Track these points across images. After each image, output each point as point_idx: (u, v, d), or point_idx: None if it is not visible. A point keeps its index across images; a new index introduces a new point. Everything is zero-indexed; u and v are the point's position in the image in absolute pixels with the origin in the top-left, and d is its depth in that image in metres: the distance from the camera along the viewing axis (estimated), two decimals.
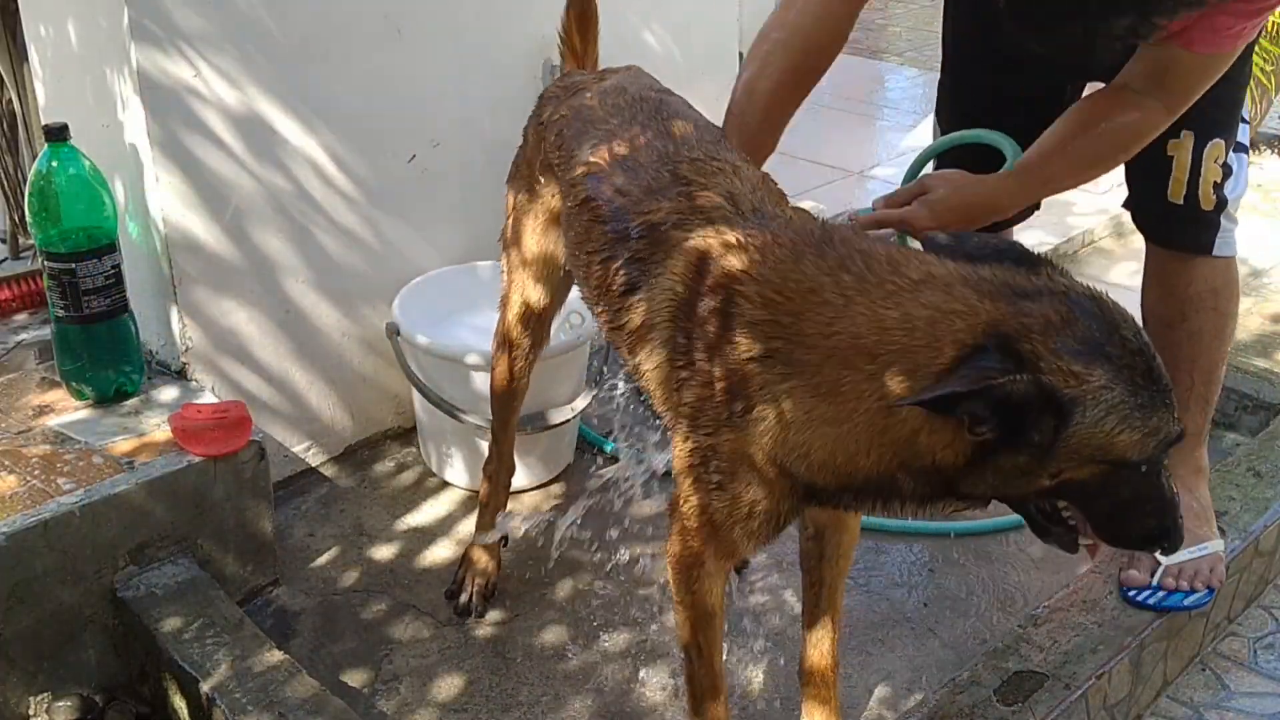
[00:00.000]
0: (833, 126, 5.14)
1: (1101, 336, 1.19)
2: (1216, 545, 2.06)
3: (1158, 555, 1.97)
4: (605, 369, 2.54)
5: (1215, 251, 2.00)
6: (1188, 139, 1.92)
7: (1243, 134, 2.00)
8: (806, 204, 3.50)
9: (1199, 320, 2.02)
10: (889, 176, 4.78)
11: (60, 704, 1.86)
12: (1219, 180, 1.95)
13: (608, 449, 2.55)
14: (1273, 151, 4.39)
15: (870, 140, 5.14)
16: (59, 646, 1.88)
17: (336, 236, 2.40)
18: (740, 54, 3.08)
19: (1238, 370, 2.70)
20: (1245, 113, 2.03)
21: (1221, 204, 1.97)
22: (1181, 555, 1.99)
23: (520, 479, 2.34)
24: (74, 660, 1.90)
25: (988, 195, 1.80)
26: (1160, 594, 1.99)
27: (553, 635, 2.05)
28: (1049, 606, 1.96)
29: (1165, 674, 2.05)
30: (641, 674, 1.98)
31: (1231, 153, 1.96)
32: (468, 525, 2.29)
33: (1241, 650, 2.16)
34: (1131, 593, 1.99)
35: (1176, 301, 2.03)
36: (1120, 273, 3.51)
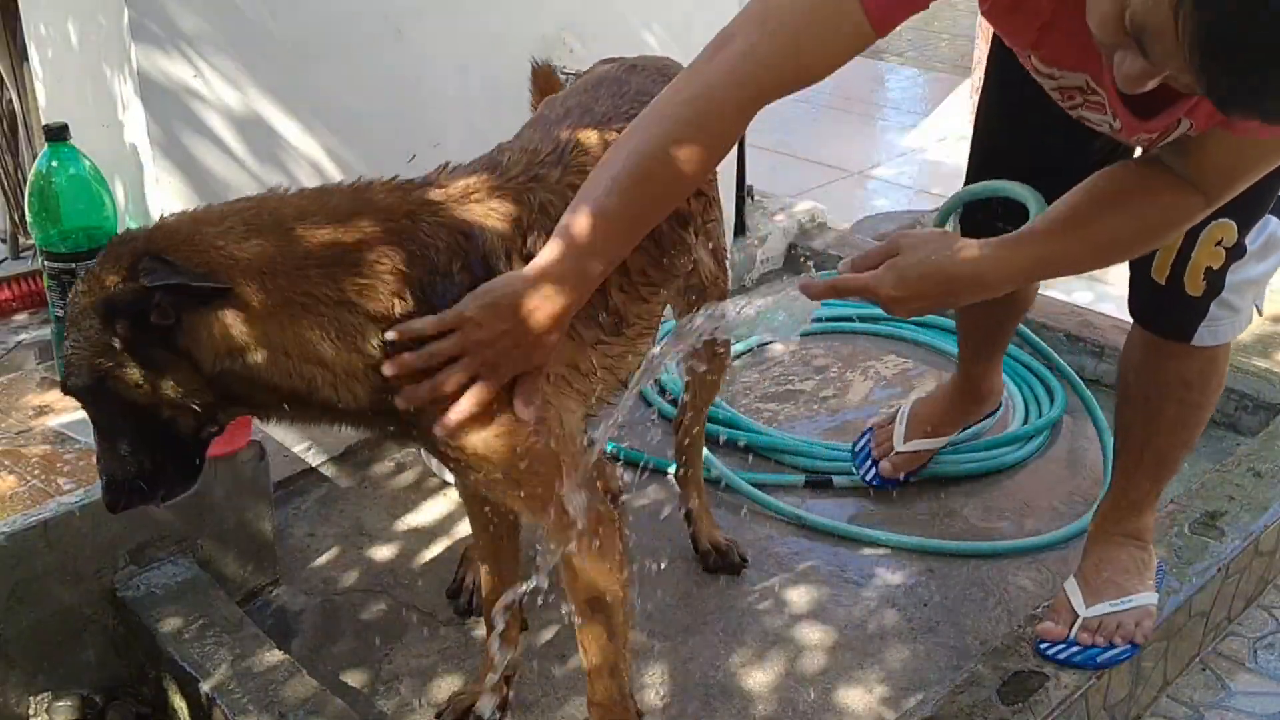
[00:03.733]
0: (833, 126, 5.14)
1: None
2: (1146, 599, 1.92)
3: (1074, 607, 1.89)
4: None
5: (1196, 341, 1.78)
6: None
7: None
8: (806, 204, 3.51)
9: (1160, 405, 1.85)
10: (889, 176, 4.79)
11: (60, 704, 1.86)
12: (1216, 266, 1.72)
13: (608, 449, 2.55)
14: None
15: (870, 140, 5.15)
16: (59, 646, 1.88)
17: None
18: None
19: (1238, 370, 2.70)
20: None
21: (1215, 290, 1.74)
22: (1102, 608, 1.89)
23: None
24: (74, 660, 1.90)
25: (971, 268, 1.43)
26: (1074, 649, 1.86)
27: (552, 635, 2.05)
28: (1049, 606, 1.96)
29: (1165, 674, 2.05)
30: (642, 674, 1.98)
31: (1251, 235, 1.72)
32: (467, 525, 2.29)
33: (1241, 650, 2.16)
34: (1044, 646, 1.87)
35: (1143, 380, 1.87)
36: None
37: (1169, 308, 1.78)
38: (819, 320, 3.09)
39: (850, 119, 5.28)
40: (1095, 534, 2.00)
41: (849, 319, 3.09)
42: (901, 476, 2.35)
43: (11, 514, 1.83)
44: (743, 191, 3.32)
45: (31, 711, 1.86)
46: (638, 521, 2.32)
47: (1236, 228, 1.68)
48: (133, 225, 2.26)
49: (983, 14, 1.47)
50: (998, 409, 2.50)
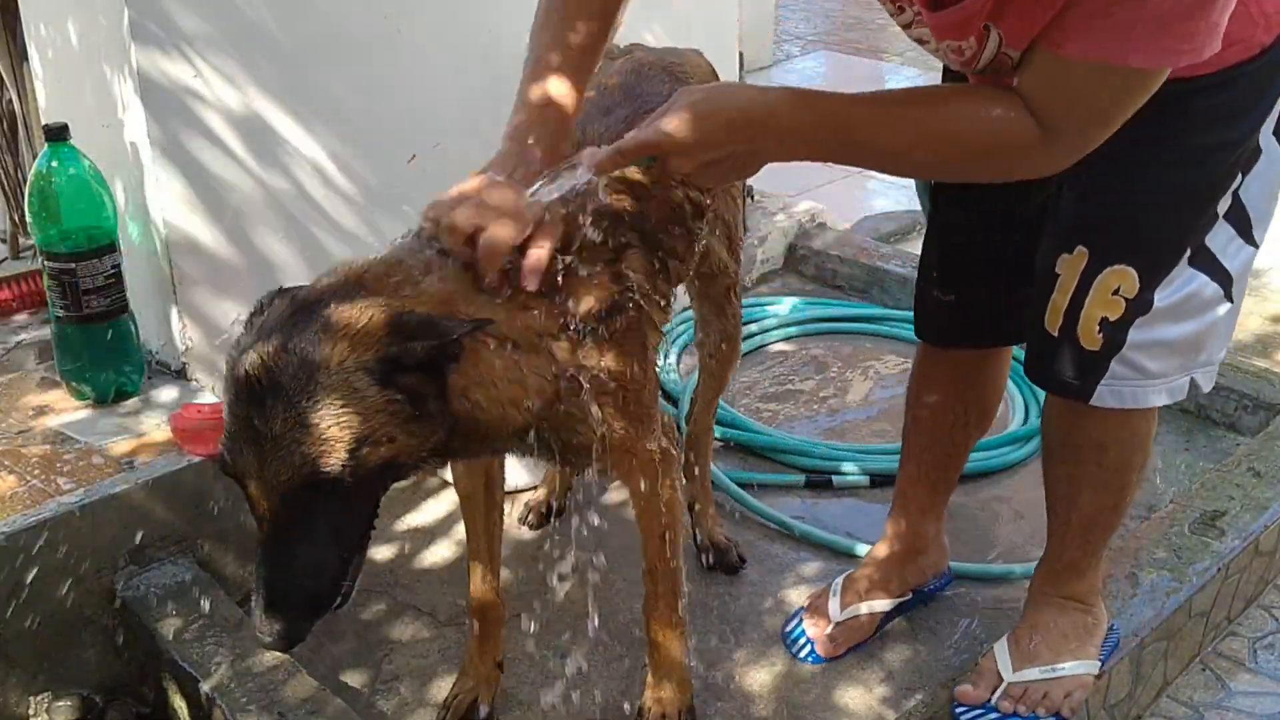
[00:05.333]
0: None
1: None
2: (1082, 669, 1.79)
3: (999, 669, 1.79)
4: None
5: (1096, 401, 1.59)
6: (1080, 257, 1.52)
7: (1223, 249, 1.53)
8: (806, 204, 3.51)
9: (1079, 469, 1.70)
10: (889, 176, 4.77)
11: (60, 704, 1.86)
12: (1114, 317, 1.53)
13: None
14: None
15: None
16: (59, 646, 1.88)
17: (336, 237, 2.40)
18: (740, 54, 3.09)
19: (1238, 370, 2.70)
20: (1226, 239, 1.53)
21: (1114, 345, 1.54)
22: (1030, 673, 1.77)
23: (521, 478, 2.34)
24: (74, 660, 1.90)
25: (760, 104, 1.30)
26: (992, 716, 1.76)
27: (552, 635, 2.05)
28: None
29: (1165, 674, 2.05)
30: (641, 674, 1.97)
31: (1165, 285, 1.52)
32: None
33: (1241, 650, 2.16)
34: (960, 710, 1.77)
35: (1060, 441, 1.72)
36: None
37: (1064, 363, 1.59)
38: (819, 320, 3.10)
39: None
40: (1033, 595, 1.87)
41: (849, 319, 3.10)
42: (843, 652, 1.98)
43: (11, 514, 1.83)
44: (743, 191, 3.31)
45: (31, 711, 1.86)
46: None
47: (1137, 276, 1.51)
48: (133, 226, 2.26)
49: None
50: (947, 575, 2.10)
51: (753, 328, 3.04)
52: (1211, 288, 1.55)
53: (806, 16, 6.76)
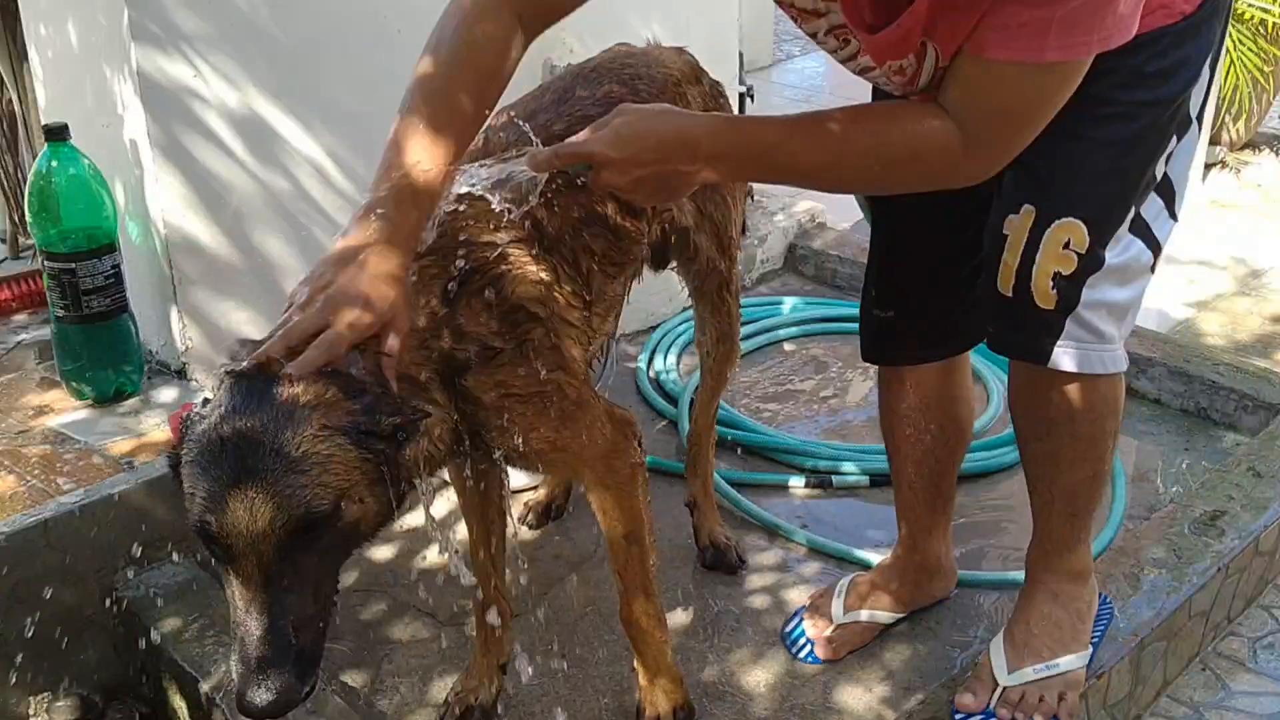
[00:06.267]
0: None
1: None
2: (1073, 662, 1.76)
3: (994, 673, 1.77)
4: (607, 368, 2.54)
5: (1053, 364, 1.58)
6: (1027, 216, 1.52)
7: (1154, 219, 1.57)
8: (806, 204, 3.51)
9: (1054, 443, 1.69)
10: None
11: (60, 704, 1.86)
12: (1067, 272, 1.52)
13: None
14: (1272, 151, 4.39)
15: None
16: (59, 646, 1.88)
17: None
18: (740, 54, 3.09)
19: (1238, 370, 2.70)
20: (1156, 210, 1.57)
21: (1069, 303, 1.54)
22: (1026, 674, 1.75)
23: (520, 478, 2.34)
24: (74, 660, 1.91)
25: (685, 130, 1.35)
26: None
27: (552, 635, 2.05)
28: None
29: (1165, 674, 2.05)
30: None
31: (1111, 245, 1.53)
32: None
33: (1241, 650, 2.16)
34: (959, 717, 1.76)
35: (1029, 417, 1.70)
36: None
37: (1018, 323, 1.58)
38: (819, 320, 3.09)
39: None
40: (1028, 585, 1.84)
41: (849, 319, 3.09)
42: (842, 656, 1.98)
43: (11, 514, 1.83)
44: (743, 190, 3.31)
45: (31, 711, 1.86)
46: None
47: (1086, 230, 1.51)
48: (133, 226, 2.26)
49: None
50: (952, 589, 2.09)
51: (753, 328, 3.03)
52: (1147, 255, 1.58)
53: None
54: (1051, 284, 1.53)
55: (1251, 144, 4.41)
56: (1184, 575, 2.05)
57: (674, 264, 2.00)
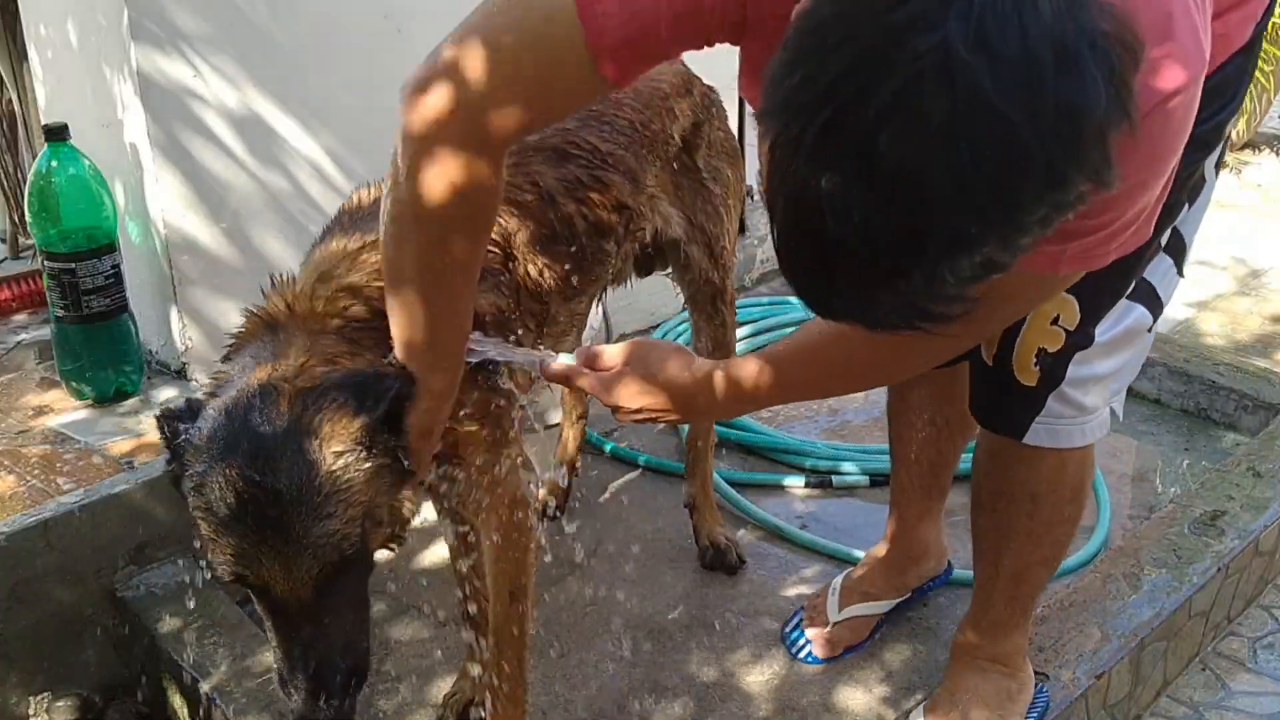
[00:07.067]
0: None
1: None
2: None
3: None
4: None
5: (1030, 440, 1.53)
6: None
7: (1161, 280, 1.51)
8: None
9: (1009, 517, 1.63)
10: None
11: (60, 704, 1.86)
12: (1053, 349, 1.47)
13: (607, 448, 2.55)
14: (1273, 151, 4.39)
15: None
16: (59, 646, 1.88)
17: None
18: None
19: (1238, 370, 2.70)
20: (1164, 270, 1.51)
21: (1052, 380, 1.49)
22: None
23: None
24: (74, 660, 1.91)
25: (682, 391, 1.40)
26: None
27: (552, 636, 2.05)
28: (1049, 606, 1.96)
29: (1165, 674, 2.05)
30: (641, 674, 1.97)
31: (1103, 325, 1.48)
32: None
33: (1241, 650, 2.16)
34: None
35: (991, 486, 1.65)
36: None
37: (997, 396, 1.54)
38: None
39: None
40: (956, 652, 1.81)
41: None
42: (841, 652, 1.98)
43: (11, 514, 1.83)
44: (739, 198, 3.31)
45: (31, 711, 1.86)
46: (635, 521, 2.32)
47: (1078, 306, 1.45)
48: (133, 226, 2.26)
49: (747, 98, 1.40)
50: (947, 571, 2.09)
51: (753, 328, 3.04)
52: (1147, 319, 1.53)
53: None
54: (1035, 360, 1.48)
55: (1251, 144, 4.41)
56: (1184, 575, 2.05)
57: (669, 270, 2.00)
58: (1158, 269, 1.51)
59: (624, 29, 1.14)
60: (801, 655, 1.99)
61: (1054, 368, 1.48)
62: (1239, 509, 2.21)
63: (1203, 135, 1.32)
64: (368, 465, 1.24)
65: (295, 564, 1.20)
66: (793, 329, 3.03)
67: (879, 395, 2.78)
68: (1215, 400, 2.66)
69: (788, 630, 2.04)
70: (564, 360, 1.43)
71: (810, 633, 2.00)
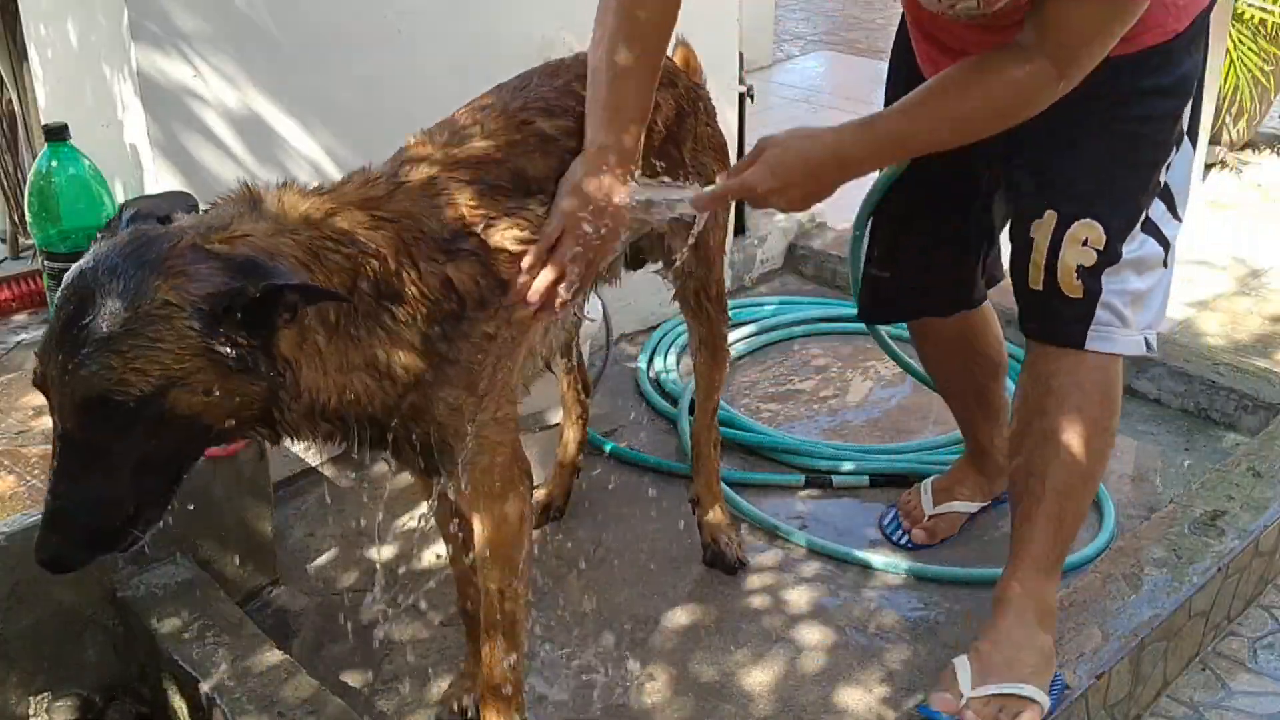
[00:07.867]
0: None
1: None
2: (1038, 695, 1.74)
3: (960, 684, 1.77)
4: (604, 369, 2.54)
5: (1088, 345, 1.76)
6: (1050, 219, 1.73)
7: (1160, 220, 1.77)
8: None
9: (1056, 419, 1.77)
10: None
11: (60, 704, 1.86)
12: (1087, 265, 1.72)
13: (607, 449, 2.55)
14: (1273, 151, 4.39)
15: None
16: (59, 646, 1.88)
17: None
18: (741, 54, 3.09)
19: (1238, 370, 2.70)
20: (1161, 212, 1.78)
21: (1093, 292, 1.73)
22: (990, 688, 1.75)
23: None
24: (74, 660, 1.90)
25: (830, 149, 1.59)
26: None
27: (552, 636, 2.05)
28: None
29: (1165, 674, 2.05)
30: (641, 674, 1.98)
31: (1128, 240, 1.74)
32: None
33: (1241, 650, 2.16)
34: (925, 711, 1.79)
35: (1038, 392, 1.80)
36: None
37: (1054, 312, 1.77)
38: (819, 320, 3.10)
39: (850, 118, 5.28)
40: (999, 607, 1.85)
41: (849, 319, 3.09)
42: (939, 540, 2.25)
43: (11, 514, 1.83)
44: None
45: (31, 711, 1.86)
46: (635, 521, 2.32)
47: (1102, 229, 1.72)
48: None
49: None
50: None
51: (752, 328, 3.04)
52: (1158, 250, 1.78)
53: (806, 16, 6.76)
54: (1076, 275, 1.73)
55: (1251, 144, 4.41)
56: (1184, 575, 2.05)
57: (659, 267, 1.99)
58: (1156, 210, 1.77)
59: None
60: (901, 542, 2.26)
61: (1091, 280, 1.73)
62: (1239, 509, 2.21)
63: (1171, 85, 1.70)
64: (192, 330, 1.17)
65: (66, 381, 1.18)
66: (792, 328, 3.06)
67: (878, 396, 2.79)
68: (1215, 400, 2.66)
69: (885, 523, 2.31)
70: (709, 188, 1.64)
71: (907, 523, 2.26)
